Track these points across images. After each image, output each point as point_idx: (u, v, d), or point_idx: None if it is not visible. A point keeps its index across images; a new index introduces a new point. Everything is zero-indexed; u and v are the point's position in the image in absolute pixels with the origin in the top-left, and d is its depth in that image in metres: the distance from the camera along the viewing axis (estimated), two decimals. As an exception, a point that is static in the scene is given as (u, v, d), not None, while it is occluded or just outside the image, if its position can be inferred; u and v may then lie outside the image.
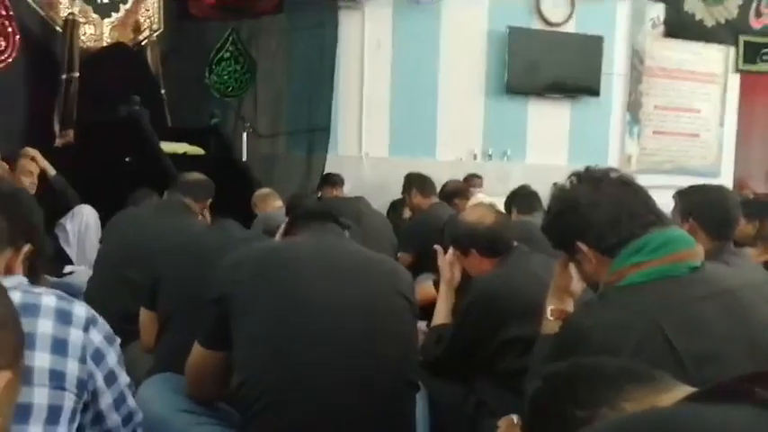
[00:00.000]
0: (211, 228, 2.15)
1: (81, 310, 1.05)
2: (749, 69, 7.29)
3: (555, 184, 1.36)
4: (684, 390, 0.70)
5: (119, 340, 1.15)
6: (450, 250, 2.10)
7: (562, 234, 1.29)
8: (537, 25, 6.43)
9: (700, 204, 1.93)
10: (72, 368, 1.01)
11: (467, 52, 6.25)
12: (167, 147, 4.31)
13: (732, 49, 7.16)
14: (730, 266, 1.81)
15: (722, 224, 1.98)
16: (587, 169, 1.31)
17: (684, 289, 1.12)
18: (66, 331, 1.01)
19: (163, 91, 5.02)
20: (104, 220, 3.14)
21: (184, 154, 4.47)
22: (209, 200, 2.75)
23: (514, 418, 1.43)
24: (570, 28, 6.51)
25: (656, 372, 0.75)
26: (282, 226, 1.68)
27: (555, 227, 1.32)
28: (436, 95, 6.20)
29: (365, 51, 5.95)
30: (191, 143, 4.60)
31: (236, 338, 1.33)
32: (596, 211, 1.20)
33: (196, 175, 2.78)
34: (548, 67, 6.32)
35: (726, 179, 7.32)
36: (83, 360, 1.03)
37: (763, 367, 0.71)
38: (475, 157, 6.39)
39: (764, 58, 7.30)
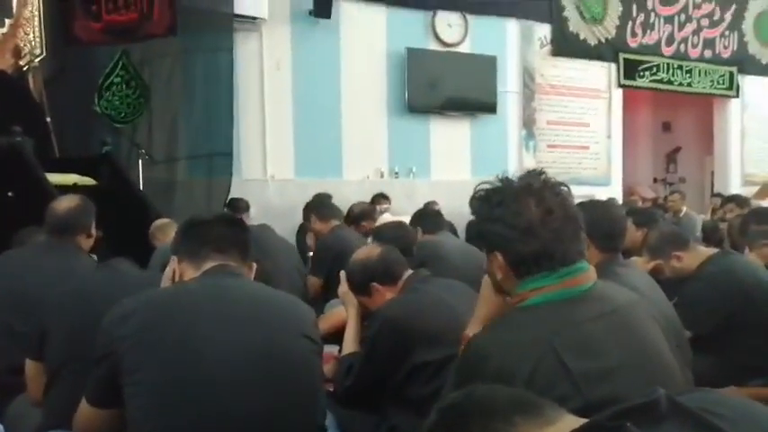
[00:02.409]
0: (102, 269, 2.01)
1: None
2: (630, 84, 7.84)
3: (505, 179, 1.24)
4: (569, 421, 0.72)
5: None
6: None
7: (489, 240, 1.24)
8: (433, 46, 6.62)
9: (587, 221, 2.03)
10: None
11: (367, 72, 6.34)
12: (55, 178, 4.04)
13: (613, 66, 7.69)
14: (620, 277, 1.91)
15: (609, 237, 2.08)
16: (545, 182, 1.21)
17: (577, 310, 1.16)
18: None
19: (48, 119, 4.73)
20: (-16, 261, 2.89)
21: (74, 185, 4.20)
22: (91, 227, 2.52)
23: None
24: (465, 48, 6.76)
25: (546, 402, 0.77)
26: (169, 269, 1.57)
27: (489, 231, 1.24)
28: (339, 115, 6.23)
29: (265, 73, 5.91)
30: (81, 173, 4.33)
31: (128, 395, 1.25)
32: (533, 241, 1.16)
33: (62, 205, 2.44)
34: (446, 86, 6.52)
35: (616, 187, 7.81)
36: None
37: (653, 384, 0.75)
38: (382, 175, 6.47)
39: (642, 74, 7.87)
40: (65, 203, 2.48)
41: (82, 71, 5.30)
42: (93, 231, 2.52)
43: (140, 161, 5.05)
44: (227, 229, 1.54)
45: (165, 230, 3.45)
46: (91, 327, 1.41)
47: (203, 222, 1.57)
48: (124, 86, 5.31)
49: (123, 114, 5.35)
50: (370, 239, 3.57)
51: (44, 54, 4.89)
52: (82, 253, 2.45)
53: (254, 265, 1.59)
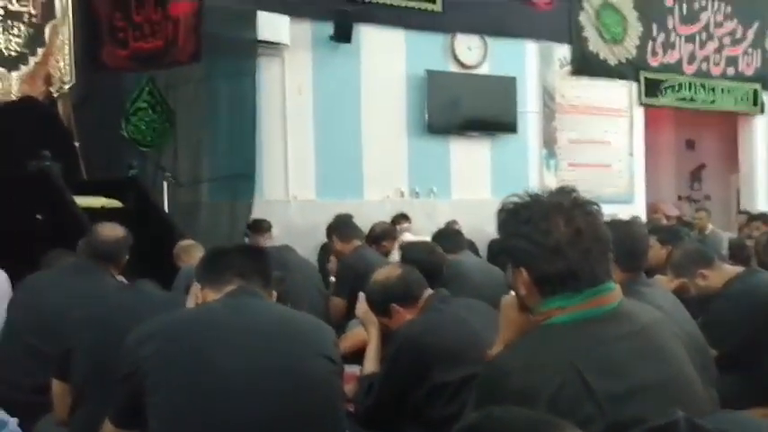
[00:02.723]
0: (126, 290, 2.05)
1: None
2: (651, 103, 7.79)
3: (534, 195, 1.22)
4: None
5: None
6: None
7: (515, 256, 1.22)
8: (453, 68, 6.67)
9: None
10: None
11: (387, 95, 6.39)
12: (83, 201, 4.14)
13: (635, 85, 7.65)
14: (643, 296, 1.89)
15: (632, 257, 2.06)
16: (575, 201, 1.19)
17: (601, 330, 1.14)
18: None
19: (76, 143, 4.85)
20: (15, 282, 2.96)
21: (102, 208, 4.29)
22: (125, 258, 2.60)
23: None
24: (484, 70, 6.80)
25: (566, 424, 0.76)
26: (193, 289, 1.60)
27: (515, 247, 1.22)
28: (360, 137, 6.28)
29: (287, 96, 5.99)
30: (108, 196, 4.42)
31: (151, 414, 1.27)
32: (560, 261, 1.15)
33: (107, 233, 2.54)
34: (466, 107, 6.54)
35: (639, 205, 7.72)
36: None
37: (676, 404, 0.75)
38: (402, 195, 6.49)
39: (664, 92, 7.82)
40: (110, 231, 2.55)
41: (109, 97, 5.43)
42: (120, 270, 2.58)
43: (165, 184, 5.14)
44: (248, 257, 1.59)
45: (190, 251, 3.50)
46: (114, 348, 1.44)
47: (226, 251, 1.63)
48: (150, 111, 5.43)
49: (149, 138, 5.47)
50: (395, 253, 3.51)
51: (73, 81, 5.03)
52: (108, 276, 2.50)
53: (275, 293, 1.62)
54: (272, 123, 5.90)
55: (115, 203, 4.42)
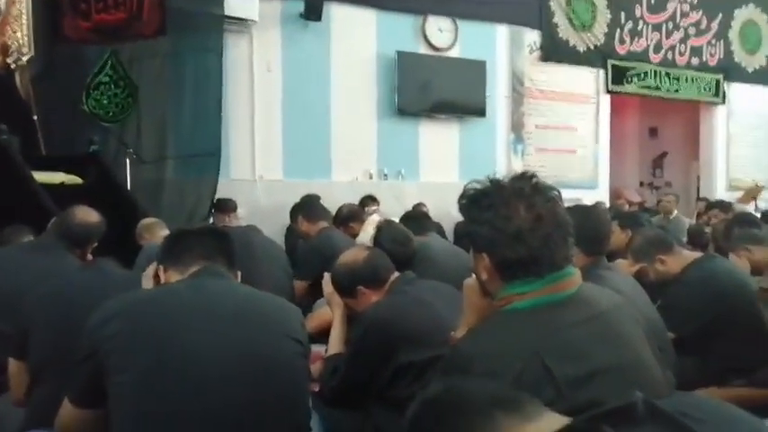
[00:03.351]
0: (87, 269, 2.00)
1: None
2: (618, 90, 7.90)
3: (495, 181, 1.22)
4: (550, 419, 0.73)
5: None
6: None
7: (476, 241, 1.23)
8: (423, 50, 6.65)
9: (573, 225, 2.05)
10: None
11: (357, 75, 6.35)
12: (42, 177, 4.02)
13: (602, 72, 7.75)
14: (604, 280, 1.93)
15: (594, 242, 2.10)
16: (536, 187, 1.19)
17: (561, 315, 1.16)
18: None
19: (35, 117, 4.69)
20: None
21: (62, 184, 4.18)
22: (93, 245, 2.56)
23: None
24: (455, 53, 6.79)
25: (527, 398, 0.78)
26: (151, 268, 1.58)
27: (476, 233, 1.22)
28: (329, 117, 6.23)
29: (255, 74, 5.90)
30: (68, 172, 4.30)
31: (112, 395, 1.25)
32: (521, 247, 1.15)
33: (81, 217, 2.49)
34: (436, 90, 6.54)
35: (603, 190, 7.87)
36: None
37: (635, 387, 0.76)
38: (370, 177, 6.48)
39: (630, 80, 7.94)
40: (85, 215, 2.51)
41: (70, 70, 5.25)
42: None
43: (128, 160, 5.02)
44: (212, 238, 1.58)
45: (152, 230, 3.44)
46: (75, 327, 1.41)
47: (189, 232, 1.62)
48: (112, 86, 5.28)
49: (111, 113, 5.32)
50: (370, 230, 3.48)
51: (32, 52, 4.85)
52: (70, 256, 2.44)
53: (239, 274, 1.61)
54: (239, 101, 5.81)
55: (75, 180, 4.30)
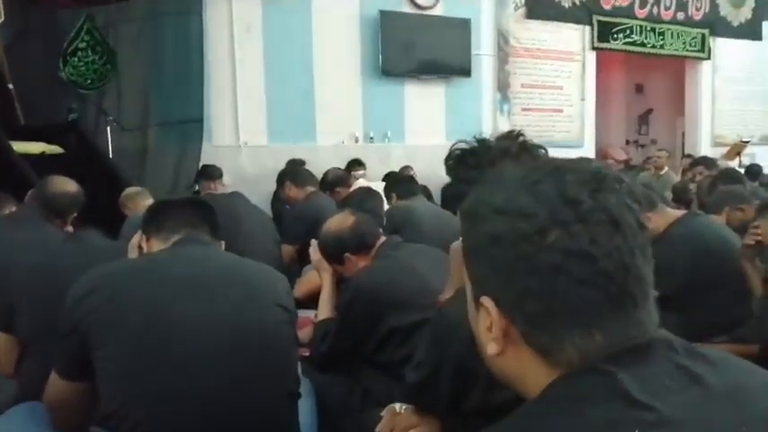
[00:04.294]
0: (71, 240, 1.98)
1: None
2: (603, 47, 7.84)
3: (482, 140, 1.18)
4: None
5: None
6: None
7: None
8: (407, 9, 6.52)
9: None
10: None
11: (340, 36, 6.23)
12: (21, 147, 3.95)
13: (587, 29, 7.66)
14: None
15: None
16: (523, 146, 1.15)
17: None
18: None
19: (11, 86, 4.59)
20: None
21: (42, 154, 4.12)
22: (73, 215, 2.53)
23: (397, 406, 1.45)
24: (439, 11, 6.68)
25: None
26: (136, 237, 1.57)
27: (463, 194, 1.21)
28: (312, 80, 6.14)
29: (235, 36, 5.77)
30: (48, 142, 4.24)
31: (99, 368, 1.24)
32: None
33: (58, 187, 2.47)
34: (420, 50, 6.44)
35: (589, 149, 7.87)
36: None
37: None
38: (356, 140, 6.43)
39: (615, 36, 7.88)
40: (62, 185, 2.49)
41: (45, 36, 5.12)
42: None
43: (109, 128, 4.95)
44: (195, 207, 1.57)
45: (136, 199, 3.41)
46: (60, 299, 1.40)
47: (172, 202, 1.61)
48: (89, 52, 5.16)
49: (89, 81, 5.21)
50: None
51: (2, 17, 4.71)
52: (52, 227, 2.42)
53: (223, 243, 1.60)
54: (220, 65, 5.70)
55: (56, 149, 4.24)
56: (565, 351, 0.64)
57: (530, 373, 0.67)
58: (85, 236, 1.94)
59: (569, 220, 0.63)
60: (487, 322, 0.68)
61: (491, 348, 0.68)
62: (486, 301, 0.68)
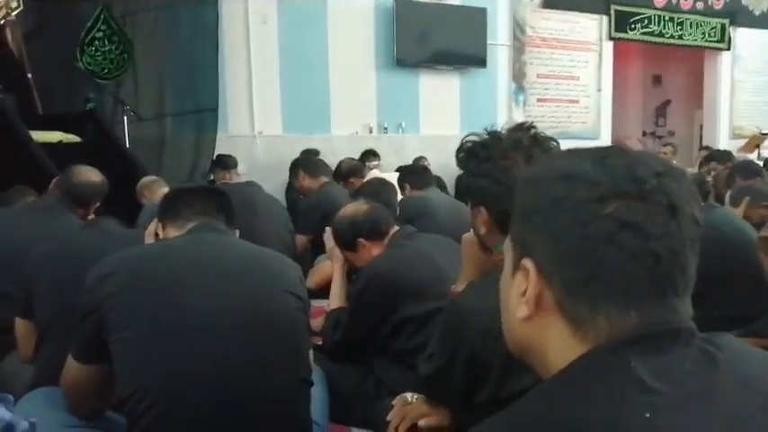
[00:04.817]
0: (89, 227, 2.01)
1: None
2: (621, 37, 7.74)
3: (493, 133, 1.18)
4: None
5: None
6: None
7: (474, 195, 1.20)
8: (421, -2, 6.50)
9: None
10: None
11: (355, 25, 6.22)
12: (40, 136, 4.00)
13: (605, 19, 7.58)
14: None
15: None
16: (534, 138, 1.15)
17: None
18: None
19: (29, 75, 4.64)
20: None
21: (60, 143, 4.17)
22: (96, 205, 2.57)
23: (408, 396, 1.46)
24: (454, 0, 6.63)
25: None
26: (152, 225, 1.59)
27: (475, 186, 1.19)
28: (327, 70, 6.14)
29: (250, 27, 5.78)
30: (66, 131, 4.29)
31: (115, 351, 1.26)
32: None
33: (83, 176, 2.50)
34: (435, 40, 6.41)
35: (605, 141, 7.80)
36: None
37: None
38: (370, 131, 6.42)
39: (633, 26, 7.78)
40: (87, 175, 2.52)
41: (63, 25, 5.16)
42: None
43: (125, 118, 4.99)
44: (211, 195, 1.59)
45: (152, 188, 3.45)
46: (78, 285, 1.42)
47: (187, 189, 1.63)
48: (106, 42, 5.19)
49: (107, 70, 5.25)
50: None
51: (21, 7, 4.76)
52: (72, 215, 2.45)
53: (238, 232, 1.62)
54: (235, 55, 5.71)
55: (73, 138, 4.29)
56: (597, 324, 0.64)
57: (554, 344, 0.67)
58: (103, 223, 1.97)
59: (631, 195, 0.63)
60: (523, 287, 0.68)
61: (521, 311, 0.68)
62: (528, 262, 0.68)
